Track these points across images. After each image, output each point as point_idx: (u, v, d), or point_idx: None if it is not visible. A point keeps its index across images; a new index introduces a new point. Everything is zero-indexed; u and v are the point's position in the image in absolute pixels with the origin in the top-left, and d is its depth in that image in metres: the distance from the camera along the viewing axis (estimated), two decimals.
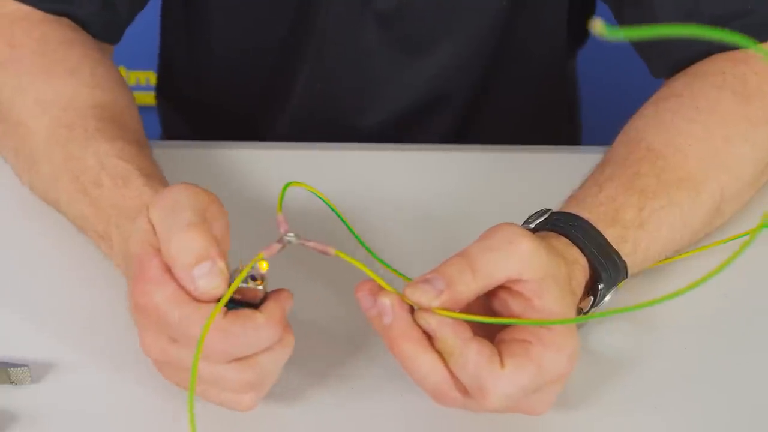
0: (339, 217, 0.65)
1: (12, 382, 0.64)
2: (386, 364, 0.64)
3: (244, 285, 0.57)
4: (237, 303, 0.57)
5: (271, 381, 0.59)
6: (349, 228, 0.66)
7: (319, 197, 0.63)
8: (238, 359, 0.57)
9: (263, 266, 0.57)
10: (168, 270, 0.57)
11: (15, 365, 0.64)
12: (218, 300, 0.56)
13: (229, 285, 0.56)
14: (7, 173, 0.78)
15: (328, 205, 0.64)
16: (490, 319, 0.58)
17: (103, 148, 0.70)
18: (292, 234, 0.58)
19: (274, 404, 0.63)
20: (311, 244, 0.58)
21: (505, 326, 0.59)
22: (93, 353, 0.67)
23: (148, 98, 1.25)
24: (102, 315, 0.69)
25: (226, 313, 0.56)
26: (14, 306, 0.71)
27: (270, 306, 0.57)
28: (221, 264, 0.56)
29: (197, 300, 0.56)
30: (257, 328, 0.56)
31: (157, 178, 0.69)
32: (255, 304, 0.57)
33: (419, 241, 0.74)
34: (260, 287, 0.57)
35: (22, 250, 0.75)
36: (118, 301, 0.69)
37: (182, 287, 0.56)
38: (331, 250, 0.58)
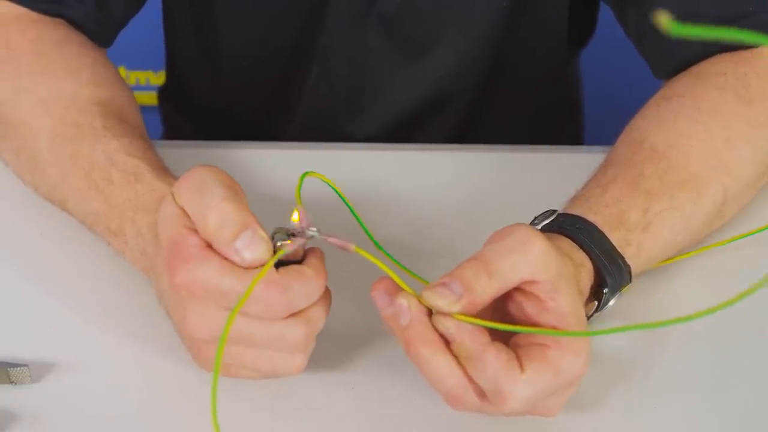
0: (353, 213, 0.65)
1: (12, 382, 0.64)
2: (387, 364, 0.64)
3: (286, 243, 0.58)
4: (280, 262, 0.58)
5: (314, 339, 0.60)
6: (362, 225, 0.66)
7: (335, 190, 0.64)
8: (293, 315, 0.58)
9: (295, 220, 0.59)
10: (207, 246, 0.57)
11: (15, 365, 0.64)
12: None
13: (273, 250, 0.58)
14: (6, 173, 0.78)
15: (343, 200, 0.65)
16: (511, 326, 0.58)
17: (112, 145, 0.70)
18: (314, 228, 0.59)
19: (274, 403, 0.63)
20: (333, 239, 0.59)
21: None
22: (93, 353, 0.67)
23: (149, 98, 1.25)
24: (102, 315, 0.69)
25: (277, 270, 0.58)
26: (14, 306, 0.70)
27: (312, 260, 0.59)
28: (261, 231, 0.57)
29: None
30: (309, 280, 0.58)
31: (167, 172, 0.69)
32: (298, 261, 0.59)
33: (421, 241, 0.74)
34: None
35: (22, 250, 0.75)
36: (118, 300, 0.70)
37: (227, 259, 0.57)
38: (352, 247, 0.59)
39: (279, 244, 0.58)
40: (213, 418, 0.53)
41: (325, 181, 0.63)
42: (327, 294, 0.60)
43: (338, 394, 0.64)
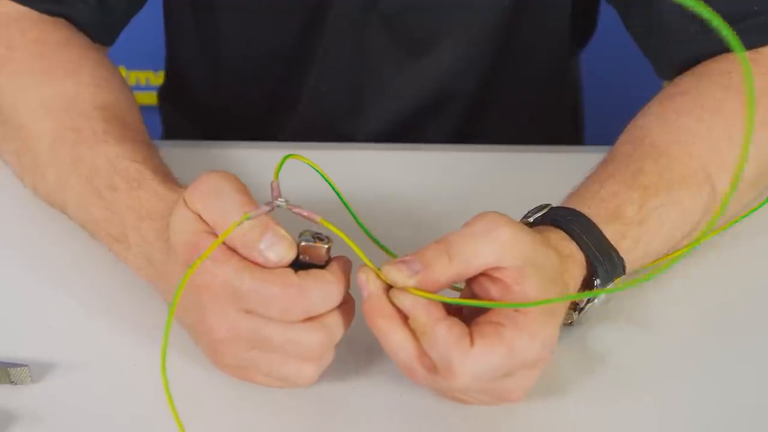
0: (334, 190, 0.66)
1: (12, 382, 0.64)
2: (386, 364, 0.64)
3: (311, 243, 0.59)
4: (303, 265, 0.59)
5: (331, 352, 0.61)
6: (343, 201, 0.66)
7: (315, 169, 0.64)
8: (309, 319, 0.58)
9: (322, 221, 0.59)
10: (227, 249, 0.58)
11: (15, 365, 0.64)
12: (289, 265, 0.58)
13: (297, 249, 0.58)
14: (7, 174, 0.78)
15: (323, 177, 0.65)
16: (462, 300, 0.60)
17: (113, 150, 0.70)
18: (282, 199, 0.59)
19: (274, 404, 0.63)
20: (297, 210, 0.59)
21: (483, 311, 0.59)
22: (93, 353, 0.67)
23: (148, 98, 1.25)
24: (103, 315, 0.69)
25: (296, 272, 0.58)
26: (14, 306, 0.70)
27: (334, 266, 0.59)
28: (283, 232, 0.58)
29: None
30: (328, 284, 0.58)
31: (170, 177, 0.69)
32: (320, 266, 0.59)
33: (421, 241, 0.74)
34: (325, 246, 0.59)
35: (22, 250, 0.75)
36: (118, 300, 0.70)
37: (246, 260, 0.58)
38: (317, 218, 0.59)
39: (303, 244, 0.58)
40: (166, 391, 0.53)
41: (307, 163, 0.64)
42: (348, 303, 0.60)
43: (338, 395, 0.64)
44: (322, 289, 0.58)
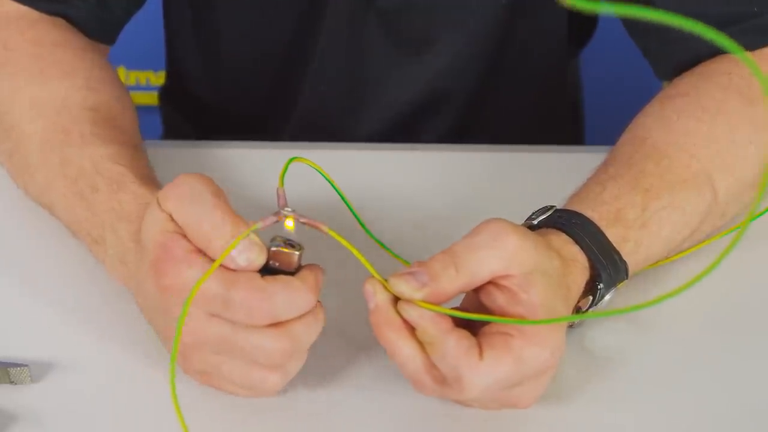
0: (340, 195, 0.66)
1: (12, 382, 0.64)
2: (386, 364, 0.64)
3: (281, 249, 0.58)
4: (273, 270, 0.58)
5: (298, 361, 0.60)
6: (349, 207, 0.66)
7: (320, 173, 0.64)
8: (275, 325, 0.58)
9: (291, 227, 0.58)
10: (196, 250, 0.58)
11: (15, 365, 0.64)
12: (258, 271, 0.57)
13: (267, 255, 0.58)
14: (5, 174, 0.78)
15: (329, 182, 0.65)
16: (470, 314, 0.59)
17: (99, 152, 0.70)
18: (289, 209, 0.59)
19: (274, 404, 0.63)
20: (304, 219, 0.59)
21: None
22: (93, 353, 0.67)
23: (148, 98, 1.25)
24: (102, 314, 0.69)
25: (263, 277, 0.57)
26: (14, 306, 0.70)
27: (304, 273, 0.59)
28: (254, 237, 0.57)
29: None
30: (295, 291, 0.57)
31: (152, 181, 0.69)
32: (290, 272, 0.58)
33: (421, 242, 0.74)
34: (296, 253, 0.58)
35: (22, 250, 0.75)
36: (118, 300, 0.69)
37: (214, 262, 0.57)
38: (324, 228, 0.59)
39: (273, 249, 0.58)
40: (173, 396, 0.53)
41: (312, 166, 0.63)
42: (317, 312, 0.59)
43: (338, 396, 0.64)
44: (288, 295, 0.57)
